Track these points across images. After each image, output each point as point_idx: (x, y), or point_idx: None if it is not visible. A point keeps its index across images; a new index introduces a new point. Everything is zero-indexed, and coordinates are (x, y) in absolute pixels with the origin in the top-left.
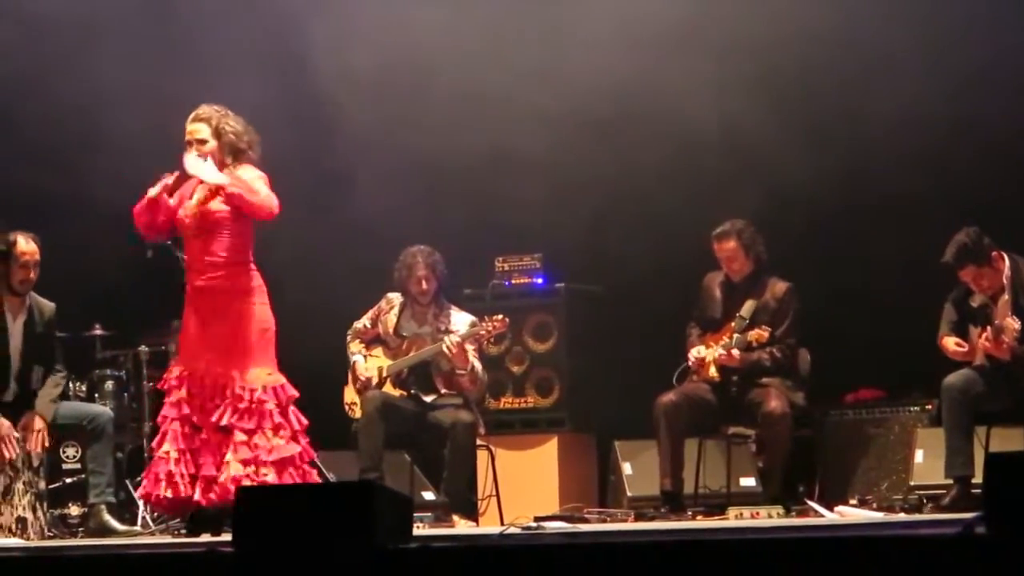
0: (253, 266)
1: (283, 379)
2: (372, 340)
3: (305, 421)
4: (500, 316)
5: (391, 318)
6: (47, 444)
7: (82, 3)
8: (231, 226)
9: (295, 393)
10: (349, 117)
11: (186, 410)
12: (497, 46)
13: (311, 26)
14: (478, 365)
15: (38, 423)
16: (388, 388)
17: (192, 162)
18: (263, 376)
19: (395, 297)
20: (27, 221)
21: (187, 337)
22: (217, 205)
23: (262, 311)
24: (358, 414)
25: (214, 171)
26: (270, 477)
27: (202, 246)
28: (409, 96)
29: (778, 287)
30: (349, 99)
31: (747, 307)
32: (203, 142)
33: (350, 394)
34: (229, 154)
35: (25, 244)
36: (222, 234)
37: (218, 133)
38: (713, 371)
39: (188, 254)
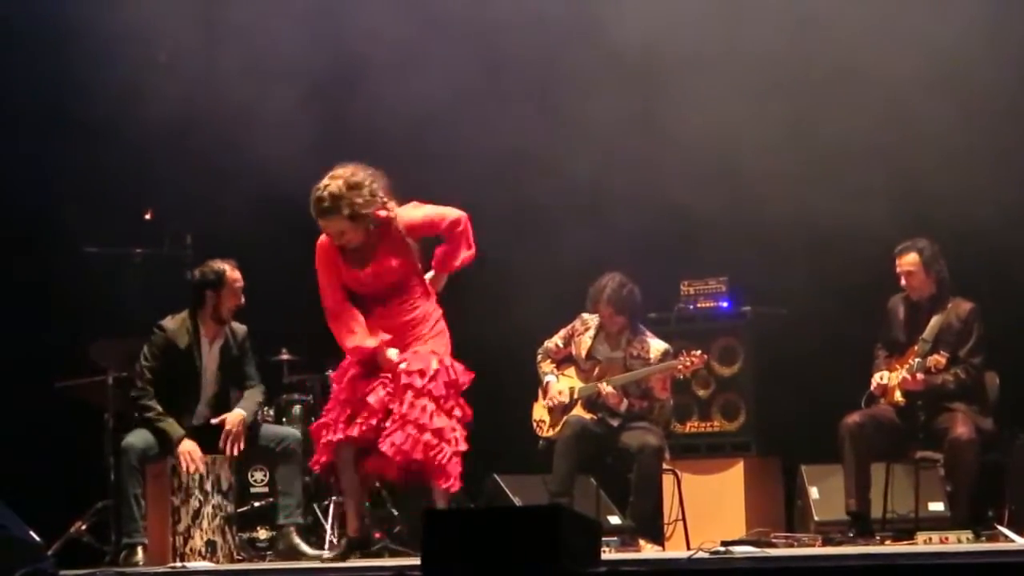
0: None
1: None
2: (563, 359)
3: None
4: (699, 352)
5: (585, 340)
6: (242, 445)
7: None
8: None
9: None
10: (555, 154)
11: None
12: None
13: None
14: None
15: (236, 419)
16: (578, 410)
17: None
18: None
19: (591, 319)
20: (224, 246)
21: None
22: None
23: None
24: (546, 432)
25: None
26: None
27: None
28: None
29: (962, 307)
30: (558, 137)
31: (930, 328)
32: (342, 234)
33: (539, 411)
34: (371, 221)
35: (232, 271)
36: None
37: (352, 216)
38: (898, 395)
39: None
